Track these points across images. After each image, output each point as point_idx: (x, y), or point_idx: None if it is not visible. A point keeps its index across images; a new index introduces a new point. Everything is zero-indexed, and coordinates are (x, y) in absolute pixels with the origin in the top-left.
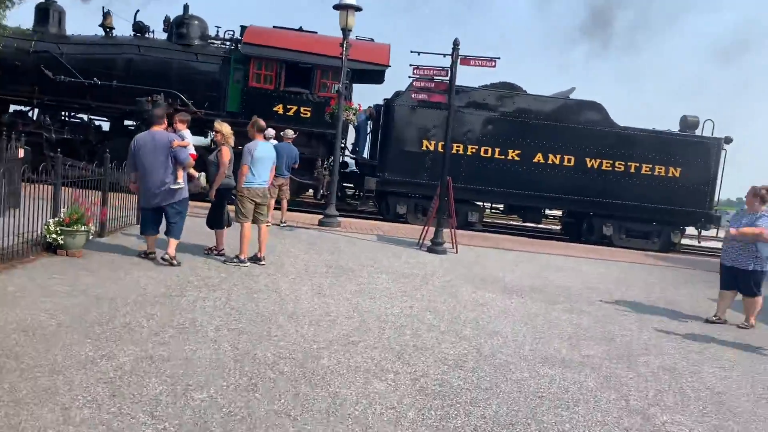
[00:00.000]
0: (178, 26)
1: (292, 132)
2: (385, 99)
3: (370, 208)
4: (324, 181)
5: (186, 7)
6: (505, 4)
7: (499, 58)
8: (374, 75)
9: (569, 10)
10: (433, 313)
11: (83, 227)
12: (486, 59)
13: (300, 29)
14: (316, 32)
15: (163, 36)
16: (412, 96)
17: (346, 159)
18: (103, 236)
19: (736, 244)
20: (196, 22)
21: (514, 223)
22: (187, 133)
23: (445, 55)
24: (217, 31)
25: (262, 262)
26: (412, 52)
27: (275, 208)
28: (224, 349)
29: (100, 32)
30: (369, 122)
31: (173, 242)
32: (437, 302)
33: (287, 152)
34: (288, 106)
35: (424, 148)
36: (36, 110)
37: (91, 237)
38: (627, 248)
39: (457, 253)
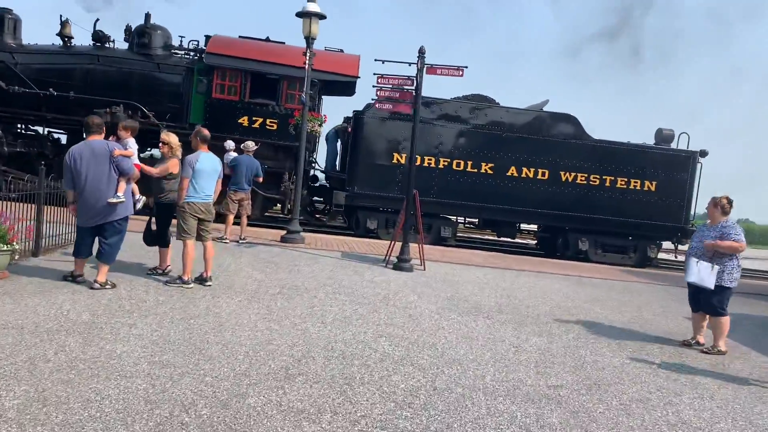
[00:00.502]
0: (139, 36)
1: (253, 144)
2: (354, 111)
3: (340, 224)
4: (291, 195)
5: (147, 16)
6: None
7: (466, 67)
8: (345, 87)
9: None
10: (388, 339)
11: (5, 246)
12: (453, 68)
13: (267, 39)
14: (284, 43)
15: (125, 46)
16: (376, 106)
17: (317, 173)
18: (38, 255)
19: (703, 258)
20: (158, 31)
21: (489, 238)
22: (131, 141)
23: (410, 64)
24: (181, 41)
25: (209, 283)
26: (376, 60)
27: (235, 223)
28: (138, 387)
29: (59, 41)
30: (339, 135)
31: (105, 268)
32: (395, 326)
33: (248, 165)
34: (254, 118)
35: (395, 161)
36: None
37: (17, 257)
38: (603, 263)
39: (425, 270)
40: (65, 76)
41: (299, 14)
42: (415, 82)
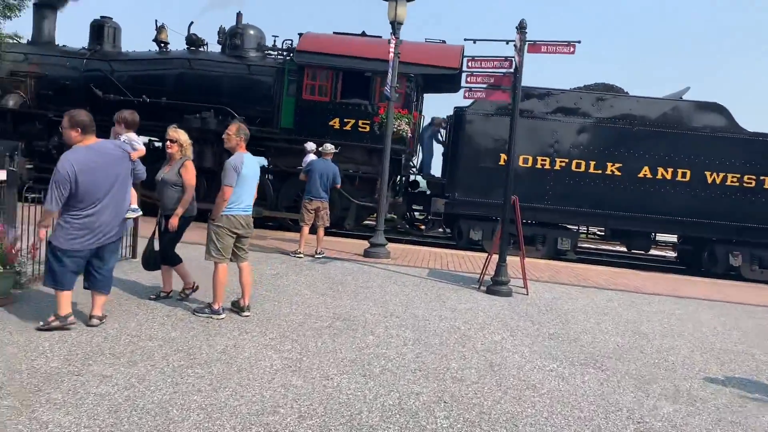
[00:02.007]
0: (231, 37)
1: (332, 146)
2: (455, 107)
3: (440, 234)
4: (387, 203)
5: (239, 16)
6: None
7: (578, 42)
8: (447, 82)
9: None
10: (449, 406)
11: (7, 267)
12: (561, 44)
13: (362, 34)
14: (381, 36)
15: (218, 48)
16: (465, 95)
17: (417, 178)
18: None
19: None
20: (251, 32)
21: (619, 250)
22: (134, 137)
23: (508, 42)
24: (275, 41)
25: (246, 313)
26: (466, 40)
27: (311, 233)
28: None
29: (156, 47)
30: (433, 134)
31: (104, 298)
32: (465, 383)
33: (326, 170)
34: (345, 120)
35: (502, 162)
36: None
37: (23, 279)
38: (762, 283)
39: (527, 294)
40: (159, 82)
41: None
42: (513, 63)
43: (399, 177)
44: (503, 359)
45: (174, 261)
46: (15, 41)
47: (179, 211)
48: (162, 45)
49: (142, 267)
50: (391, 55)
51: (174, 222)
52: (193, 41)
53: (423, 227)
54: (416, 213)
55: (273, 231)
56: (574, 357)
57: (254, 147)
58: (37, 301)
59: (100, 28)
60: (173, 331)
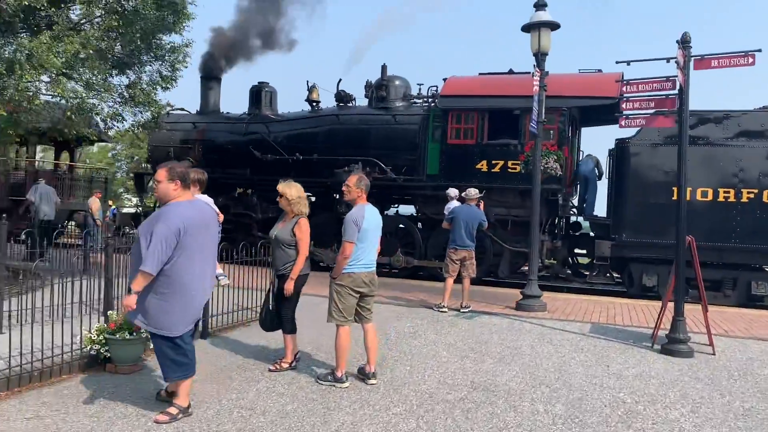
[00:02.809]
0: (377, 89)
1: (475, 191)
2: (617, 139)
3: (606, 281)
4: (543, 248)
5: (384, 69)
6: None
7: (759, 51)
8: (606, 113)
9: None
10: None
11: (132, 334)
12: (737, 55)
13: (510, 72)
14: (530, 72)
15: (366, 102)
16: (621, 124)
17: (579, 219)
18: (208, 337)
19: None
20: (396, 82)
21: None
22: (205, 198)
23: (668, 60)
24: (419, 89)
25: (372, 381)
26: (618, 62)
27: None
28: None
29: (308, 107)
30: (593, 169)
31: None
32: None
33: (470, 217)
34: (493, 162)
35: (676, 197)
36: (250, 191)
37: (150, 345)
38: None
39: (713, 354)
40: (310, 139)
41: (525, 28)
42: (677, 83)
43: (556, 219)
44: None
45: (288, 328)
46: (185, 112)
47: (294, 274)
48: (314, 104)
49: (261, 328)
50: (536, 88)
51: (290, 286)
52: (342, 97)
53: (588, 273)
54: (579, 258)
55: (421, 281)
56: None
57: (401, 196)
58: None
59: (258, 93)
60: (290, 404)
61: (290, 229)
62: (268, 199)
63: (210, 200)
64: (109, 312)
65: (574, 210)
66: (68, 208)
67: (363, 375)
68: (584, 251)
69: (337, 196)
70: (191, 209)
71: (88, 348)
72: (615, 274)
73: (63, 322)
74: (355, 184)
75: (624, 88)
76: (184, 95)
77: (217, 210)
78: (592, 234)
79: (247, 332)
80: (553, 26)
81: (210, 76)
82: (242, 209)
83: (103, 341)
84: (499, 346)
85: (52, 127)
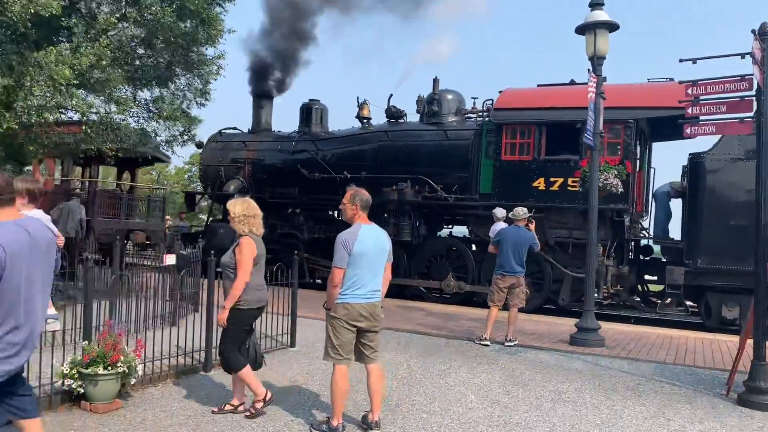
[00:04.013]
0: (428, 104)
1: (524, 210)
2: (691, 154)
3: (679, 312)
4: (607, 273)
5: (435, 82)
6: None
7: None
8: (680, 127)
9: None
10: None
11: (108, 368)
12: None
13: (571, 82)
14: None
15: (417, 117)
16: (686, 132)
17: (649, 242)
18: (208, 369)
19: None
20: (448, 96)
21: None
22: (38, 214)
23: (743, 56)
24: (474, 103)
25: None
26: (681, 61)
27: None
28: None
29: (358, 124)
30: (670, 192)
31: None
32: None
33: (519, 240)
34: (551, 179)
35: None
36: (298, 210)
37: (133, 382)
38: None
39: None
40: (359, 157)
41: (579, 29)
42: (754, 81)
43: (623, 241)
44: None
45: (232, 365)
46: (237, 131)
47: (227, 303)
48: (364, 120)
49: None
50: (592, 95)
51: (221, 317)
52: (392, 113)
53: (659, 302)
54: (649, 285)
55: (473, 309)
56: None
57: (453, 216)
58: (145, 406)
59: (308, 111)
60: None
61: (232, 250)
62: (316, 218)
63: (46, 217)
64: (84, 343)
65: (645, 232)
66: (126, 227)
67: (365, 424)
68: (655, 277)
69: (386, 216)
70: (14, 231)
71: (60, 383)
72: (690, 304)
73: (41, 351)
74: (349, 200)
75: (689, 90)
76: (237, 114)
77: (56, 230)
78: (663, 259)
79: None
80: (611, 27)
81: (261, 94)
82: (288, 229)
83: (76, 375)
84: (540, 390)
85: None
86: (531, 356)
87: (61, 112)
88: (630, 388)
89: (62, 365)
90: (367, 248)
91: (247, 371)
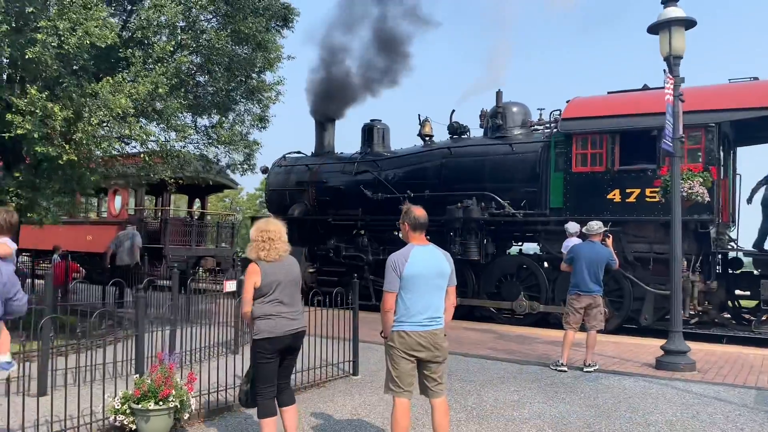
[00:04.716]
0: (492, 118)
1: (599, 224)
2: None
3: None
4: (693, 289)
5: (498, 95)
6: None
7: None
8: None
9: None
10: None
11: (159, 404)
12: None
13: (644, 88)
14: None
15: (481, 132)
16: None
17: (739, 255)
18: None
19: None
20: (513, 108)
21: None
22: (7, 241)
23: None
24: (540, 114)
25: None
26: None
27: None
28: None
29: (420, 142)
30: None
31: None
32: None
33: (594, 256)
34: (627, 191)
35: None
36: (362, 232)
37: (186, 417)
38: None
39: None
40: (421, 175)
41: (651, 28)
42: None
43: (709, 255)
44: None
45: (256, 406)
46: (301, 155)
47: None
48: (426, 138)
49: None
50: (669, 98)
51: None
52: (455, 129)
53: (753, 320)
54: (741, 300)
55: (548, 330)
56: None
57: (522, 233)
58: None
59: (370, 131)
60: None
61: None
62: (380, 239)
63: (13, 246)
64: (135, 376)
65: (732, 244)
66: (196, 254)
67: None
68: (748, 292)
69: (452, 234)
70: None
71: (112, 418)
72: None
73: (92, 386)
74: (400, 219)
75: None
76: (303, 138)
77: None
78: (756, 272)
79: (318, 396)
80: (688, 24)
81: (323, 117)
82: (353, 251)
83: (128, 411)
84: (626, 423)
85: (137, 177)
86: (613, 383)
87: (125, 143)
88: (729, 419)
89: (113, 399)
90: (419, 270)
91: (267, 423)
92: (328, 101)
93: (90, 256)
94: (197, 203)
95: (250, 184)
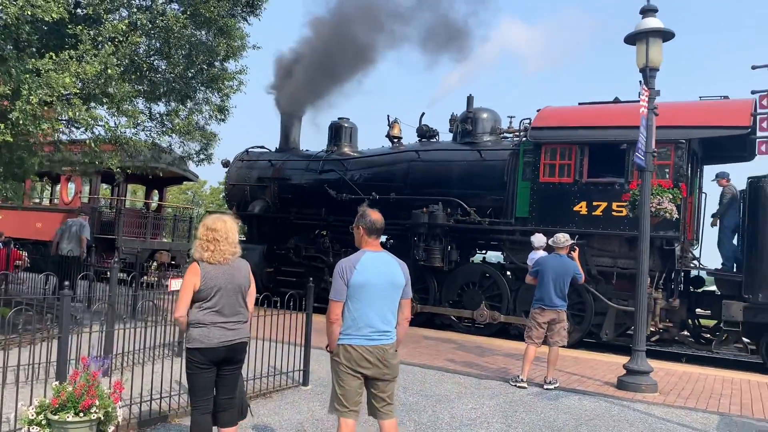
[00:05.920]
0: (462, 123)
1: (565, 237)
2: (750, 178)
3: (736, 351)
4: (656, 307)
5: (470, 100)
6: None
7: None
8: (736, 148)
9: None
10: None
11: (80, 415)
12: None
13: (616, 100)
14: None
15: (451, 137)
16: (760, 149)
17: (702, 273)
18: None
19: None
20: (483, 115)
21: None
22: None
23: None
24: (510, 122)
25: None
26: (754, 68)
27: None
28: None
29: (388, 144)
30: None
31: None
32: None
33: (560, 270)
34: (594, 203)
35: None
36: (324, 233)
37: (111, 428)
38: None
39: None
40: (388, 177)
41: (628, 38)
42: None
43: (674, 272)
44: None
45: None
46: (264, 150)
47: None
48: (395, 140)
49: None
50: (644, 110)
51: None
52: (424, 132)
53: (714, 340)
54: (701, 320)
55: (506, 341)
56: None
57: (487, 241)
58: None
59: (337, 129)
60: None
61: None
62: (343, 241)
63: None
64: (55, 383)
65: (695, 262)
66: (150, 247)
67: None
68: (708, 312)
69: (416, 239)
70: None
71: (25, 430)
72: (748, 341)
73: (3, 390)
74: (356, 221)
75: (763, 102)
76: (267, 133)
77: None
78: (718, 292)
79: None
80: (666, 35)
81: (289, 113)
82: (314, 252)
83: (44, 422)
84: None
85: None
86: (574, 402)
87: (75, 127)
88: None
89: (27, 408)
90: (368, 279)
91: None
92: (295, 95)
93: (38, 244)
94: (156, 195)
95: (214, 177)
